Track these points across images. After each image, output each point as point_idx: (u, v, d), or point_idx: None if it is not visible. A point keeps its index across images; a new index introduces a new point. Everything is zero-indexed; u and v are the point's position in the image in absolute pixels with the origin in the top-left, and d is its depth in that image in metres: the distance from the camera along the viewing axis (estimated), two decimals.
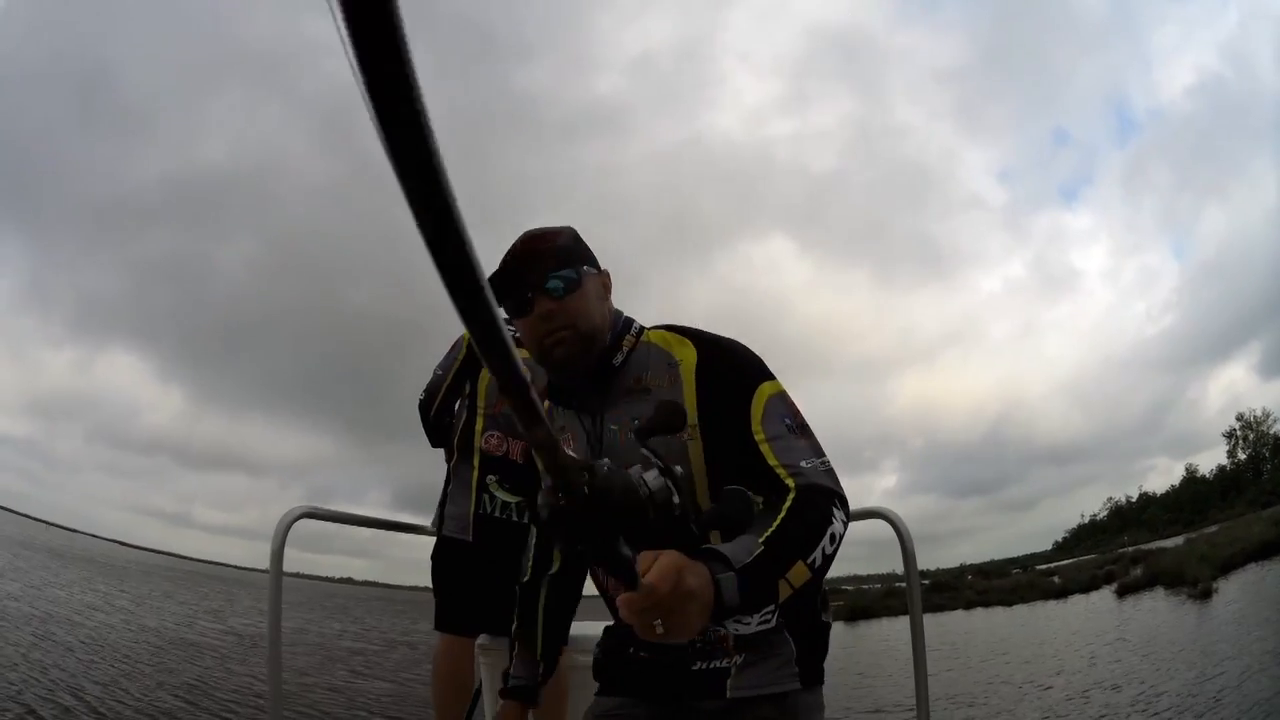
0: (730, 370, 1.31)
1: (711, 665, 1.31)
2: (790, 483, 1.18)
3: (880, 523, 2.11)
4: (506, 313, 1.33)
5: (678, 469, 0.87)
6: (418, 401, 2.75)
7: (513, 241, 1.34)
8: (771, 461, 1.21)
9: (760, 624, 1.30)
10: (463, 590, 2.60)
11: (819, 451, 1.24)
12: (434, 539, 2.73)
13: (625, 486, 0.81)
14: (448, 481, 2.70)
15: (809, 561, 1.09)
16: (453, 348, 2.70)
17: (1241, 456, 51.09)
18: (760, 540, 1.07)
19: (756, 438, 1.23)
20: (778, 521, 1.11)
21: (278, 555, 1.99)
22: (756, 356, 1.34)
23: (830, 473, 1.22)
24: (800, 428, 1.26)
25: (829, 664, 1.39)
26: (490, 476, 2.59)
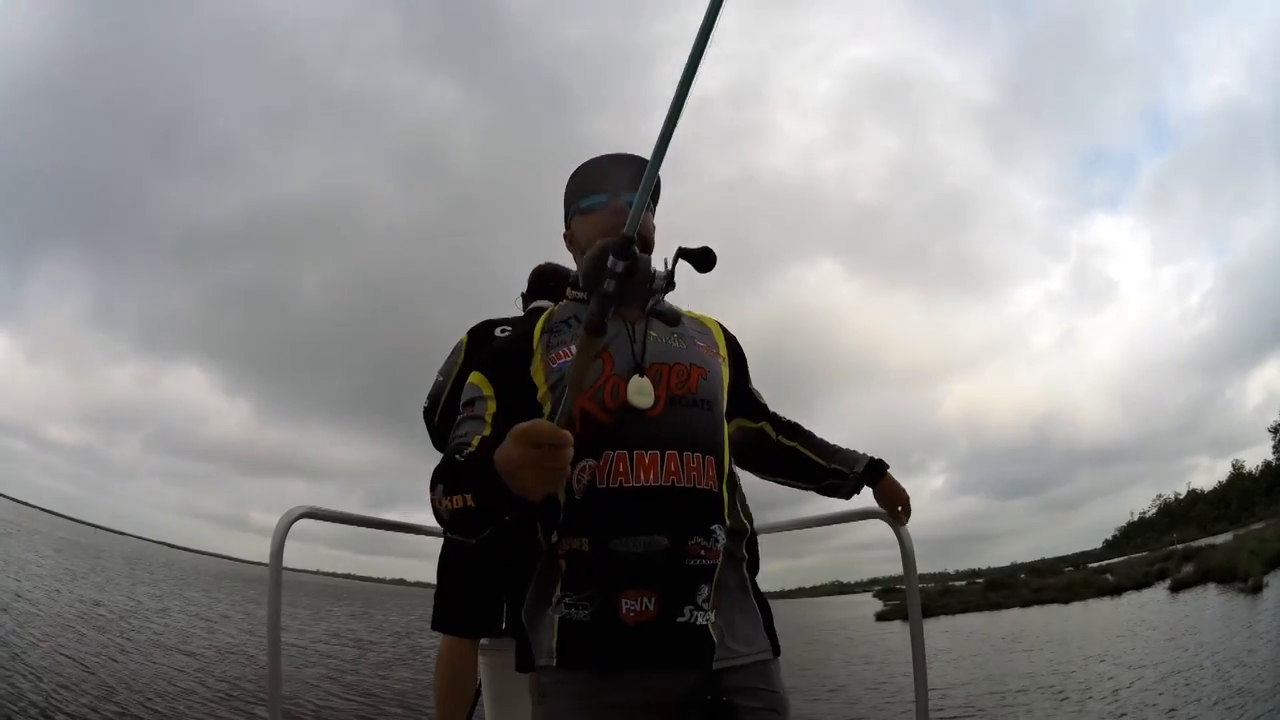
0: (741, 349, 1.55)
1: (695, 620, 1.21)
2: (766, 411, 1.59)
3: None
4: (582, 194, 1.41)
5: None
6: (422, 409, 2.66)
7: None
8: (761, 401, 1.58)
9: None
10: (465, 591, 2.48)
11: None
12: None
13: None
14: None
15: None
16: (453, 352, 2.63)
17: None
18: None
19: (752, 388, 1.57)
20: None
21: (277, 554, 1.85)
22: None
23: None
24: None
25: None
26: None
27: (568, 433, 0.97)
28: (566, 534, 1.24)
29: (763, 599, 1.36)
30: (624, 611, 1.19)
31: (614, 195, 1.38)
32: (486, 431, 1.24)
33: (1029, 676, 10.27)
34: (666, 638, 1.20)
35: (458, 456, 1.19)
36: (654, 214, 1.45)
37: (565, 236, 1.48)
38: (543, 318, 1.40)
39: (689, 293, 1.45)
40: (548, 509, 1.26)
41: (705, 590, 1.23)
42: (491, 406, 1.28)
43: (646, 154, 1.00)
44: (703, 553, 1.23)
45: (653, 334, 1.34)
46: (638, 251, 1.01)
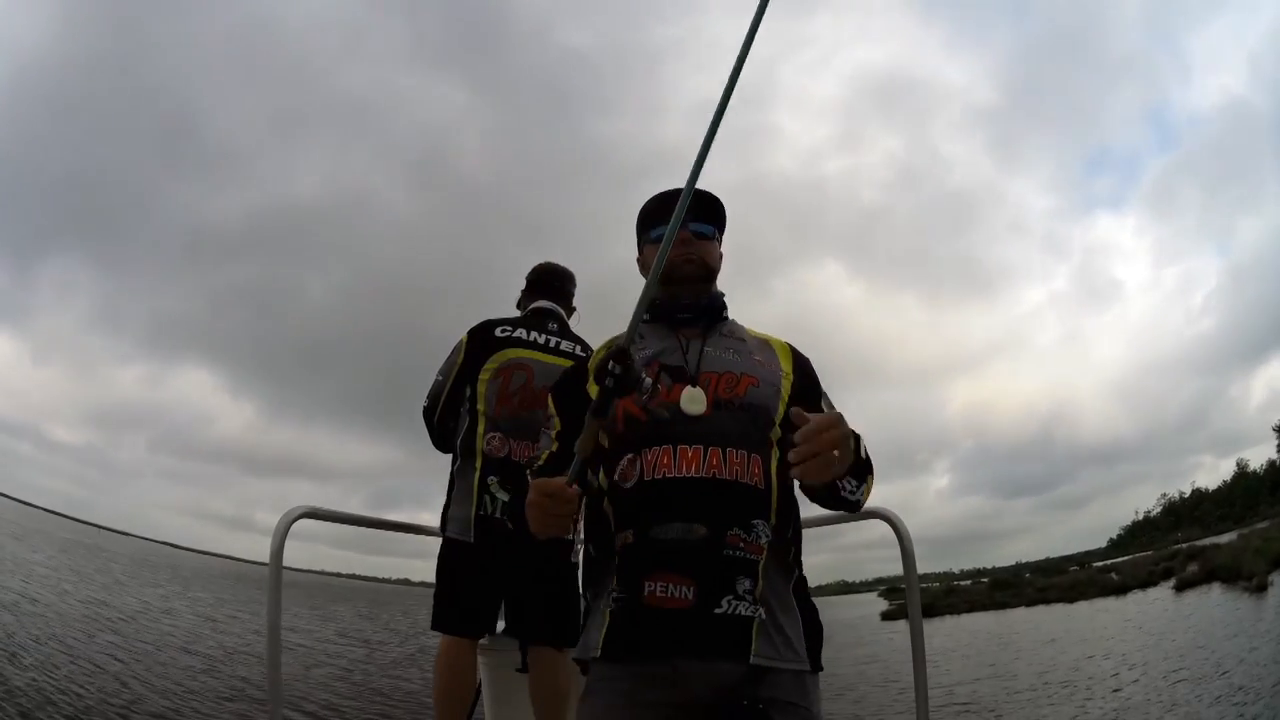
0: (812, 369, 1.54)
1: (736, 611, 1.25)
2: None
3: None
4: (650, 225, 1.54)
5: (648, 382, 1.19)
6: (422, 408, 2.68)
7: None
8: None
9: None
10: (464, 591, 2.46)
11: None
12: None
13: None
14: (451, 484, 2.56)
15: (872, 477, 1.39)
16: (453, 351, 2.64)
17: None
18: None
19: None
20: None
21: (277, 554, 1.85)
22: None
23: None
24: None
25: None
26: (491, 478, 2.45)
27: (571, 491, 1.18)
28: (619, 528, 1.34)
29: (810, 610, 1.36)
30: (647, 593, 1.26)
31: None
32: (554, 447, 1.47)
33: (1035, 674, 10.31)
34: (704, 627, 1.24)
35: (528, 472, 1.47)
36: (720, 243, 1.58)
37: (638, 261, 1.63)
38: (605, 343, 1.57)
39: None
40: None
41: (746, 582, 1.27)
42: (557, 424, 1.49)
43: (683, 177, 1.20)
44: (741, 544, 1.27)
45: (707, 349, 1.46)
46: (632, 359, 1.17)
